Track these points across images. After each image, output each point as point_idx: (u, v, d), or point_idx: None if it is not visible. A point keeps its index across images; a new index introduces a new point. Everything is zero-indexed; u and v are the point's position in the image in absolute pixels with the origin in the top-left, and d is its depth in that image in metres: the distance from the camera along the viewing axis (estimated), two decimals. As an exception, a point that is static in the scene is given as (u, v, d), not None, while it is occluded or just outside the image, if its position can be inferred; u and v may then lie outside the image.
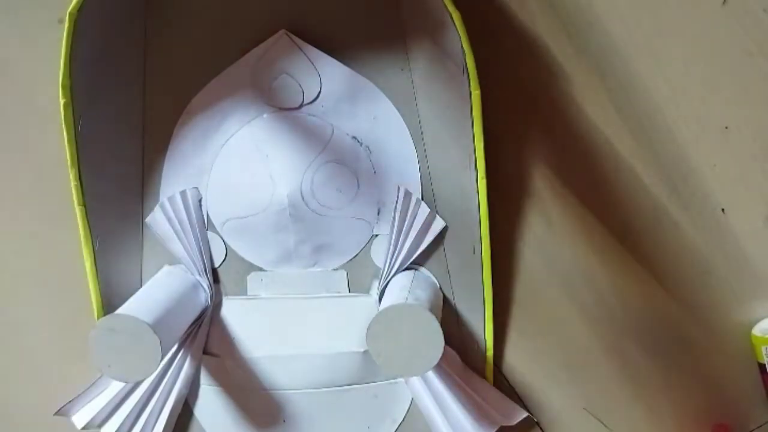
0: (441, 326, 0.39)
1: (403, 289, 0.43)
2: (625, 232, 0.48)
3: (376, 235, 0.47)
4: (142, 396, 0.45)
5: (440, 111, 0.45)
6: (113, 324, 0.38)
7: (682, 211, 0.47)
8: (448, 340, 0.40)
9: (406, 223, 0.46)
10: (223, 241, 0.47)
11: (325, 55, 0.44)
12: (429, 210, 0.46)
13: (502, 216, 0.47)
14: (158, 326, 0.38)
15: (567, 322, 0.48)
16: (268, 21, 0.44)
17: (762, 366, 0.47)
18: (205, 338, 0.46)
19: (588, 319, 0.48)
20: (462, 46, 0.40)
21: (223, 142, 0.46)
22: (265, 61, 0.44)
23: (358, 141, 0.46)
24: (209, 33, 0.45)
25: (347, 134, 0.46)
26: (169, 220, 0.46)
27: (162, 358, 0.39)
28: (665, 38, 0.46)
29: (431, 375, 0.45)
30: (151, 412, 0.45)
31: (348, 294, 0.47)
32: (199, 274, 0.46)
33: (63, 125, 0.41)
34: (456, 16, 0.39)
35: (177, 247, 0.46)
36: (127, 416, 0.45)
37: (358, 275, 0.47)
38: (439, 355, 0.39)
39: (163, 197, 0.46)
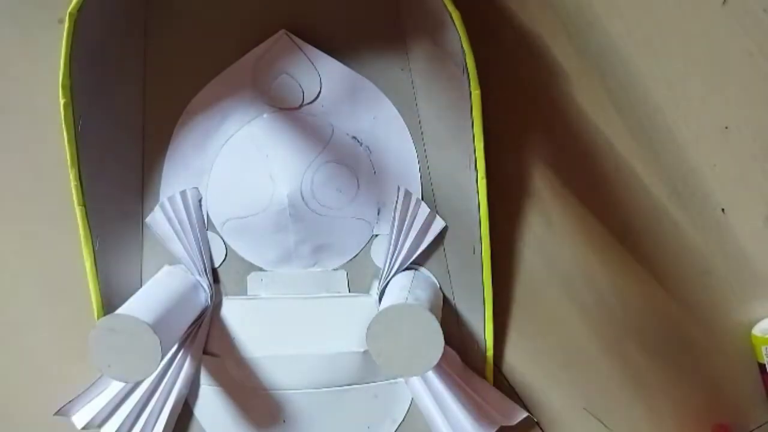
0: (441, 326, 0.39)
1: (403, 289, 0.43)
2: (625, 232, 0.48)
3: (376, 235, 0.47)
4: (142, 396, 0.45)
5: (440, 111, 0.45)
6: (113, 324, 0.38)
7: (682, 211, 0.47)
8: (448, 340, 0.40)
9: (406, 223, 0.46)
10: (223, 241, 0.47)
11: (325, 55, 0.44)
12: (429, 210, 0.46)
13: (502, 216, 0.47)
14: (158, 326, 0.38)
15: (567, 322, 0.48)
16: (268, 21, 0.44)
17: (762, 366, 0.47)
18: (205, 338, 0.46)
19: (588, 319, 0.48)
20: (462, 46, 0.40)
21: (223, 142, 0.46)
22: (265, 61, 0.44)
23: (358, 141, 0.46)
24: (209, 33, 0.45)
25: (347, 134, 0.46)
26: (169, 220, 0.46)
27: (162, 358, 0.39)
28: (665, 38, 0.46)
29: (431, 375, 0.45)
30: (151, 412, 0.45)
31: (348, 294, 0.47)
32: (199, 274, 0.46)
33: (63, 125, 0.41)
34: (456, 16, 0.39)
35: (177, 247, 0.46)
36: (127, 416, 0.45)
37: (358, 275, 0.47)
38: (439, 355, 0.39)
39: (163, 197, 0.46)
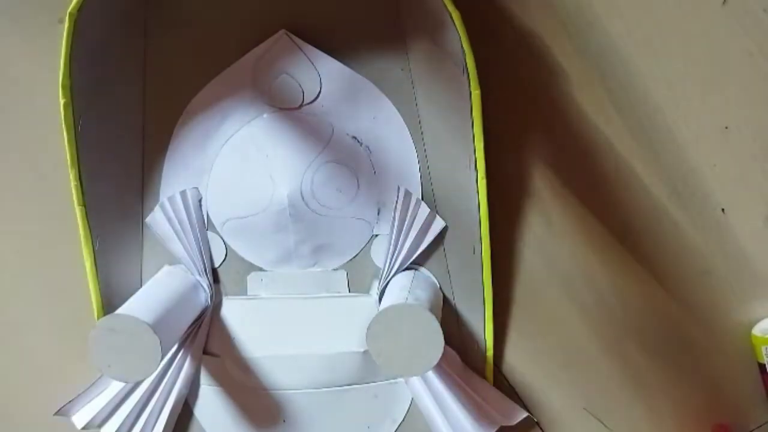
0: (441, 326, 0.39)
1: (403, 289, 0.43)
2: (625, 232, 0.48)
3: (376, 235, 0.47)
4: (142, 396, 0.45)
5: (440, 111, 0.45)
6: (113, 324, 0.38)
7: (682, 211, 0.47)
8: (448, 340, 0.40)
9: (406, 223, 0.46)
10: (223, 241, 0.47)
11: (325, 55, 0.44)
12: (429, 210, 0.46)
13: (502, 216, 0.47)
14: (158, 326, 0.38)
15: (567, 322, 0.48)
16: (268, 21, 0.44)
17: (762, 366, 0.47)
18: (205, 338, 0.46)
19: (588, 319, 0.48)
20: (462, 46, 0.40)
21: (223, 142, 0.46)
22: (265, 61, 0.44)
23: (358, 141, 0.46)
24: (209, 33, 0.45)
25: (347, 134, 0.46)
26: (169, 220, 0.46)
27: (162, 358, 0.39)
28: (665, 38, 0.46)
29: (431, 375, 0.45)
30: (151, 412, 0.45)
31: (348, 294, 0.47)
32: (199, 274, 0.46)
33: (63, 125, 0.41)
34: (456, 16, 0.39)
35: (177, 247, 0.46)
36: (127, 416, 0.45)
37: (358, 275, 0.47)
38: (439, 355, 0.39)
39: (163, 197, 0.46)
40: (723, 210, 0.47)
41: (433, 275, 0.47)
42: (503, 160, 0.46)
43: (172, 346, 0.43)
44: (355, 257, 0.47)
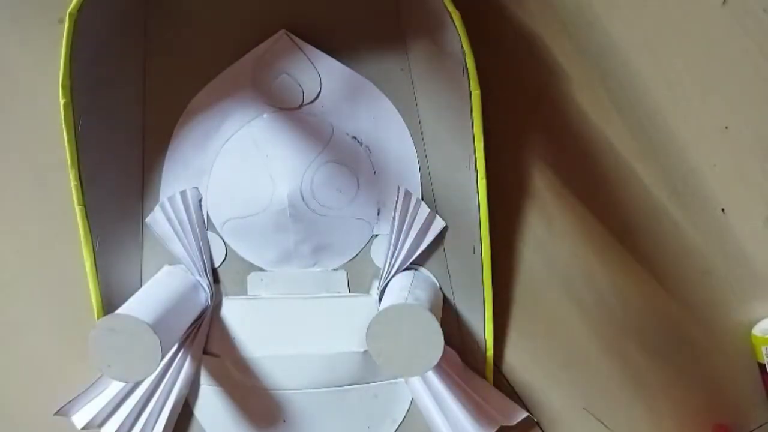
0: (441, 326, 0.39)
1: (403, 289, 0.43)
2: (625, 232, 0.48)
3: (376, 235, 0.47)
4: (142, 396, 0.45)
5: (440, 111, 0.45)
6: (113, 324, 0.38)
7: (682, 211, 0.47)
8: (448, 340, 0.40)
9: (406, 223, 0.46)
10: (223, 241, 0.47)
11: (325, 55, 0.44)
12: (429, 210, 0.46)
13: (502, 216, 0.47)
14: (158, 326, 0.38)
15: (567, 322, 0.48)
16: (268, 21, 0.44)
17: (762, 366, 0.47)
18: (205, 338, 0.46)
19: (588, 319, 0.48)
20: (462, 46, 0.40)
21: (223, 142, 0.46)
22: (265, 61, 0.44)
23: (358, 141, 0.46)
24: (209, 33, 0.45)
25: (347, 134, 0.46)
26: (169, 220, 0.46)
27: (162, 358, 0.39)
28: (665, 38, 0.46)
29: (431, 375, 0.45)
30: (151, 412, 0.45)
31: (348, 294, 0.47)
32: (199, 274, 0.46)
33: (63, 125, 0.41)
34: (456, 16, 0.39)
35: (177, 247, 0.46)
36: (127, 416, 0.45)
37: (358, 275, 0.47)
38: (439, 355, 0.39)
39: (163, 197, 0.46)
40: (723, 210, 0.47)
41: (433, 275, 0.47)
42: (503, 160, 0.46)
43: (172, 346, 0.43)
44: (355, 257, 0.47)
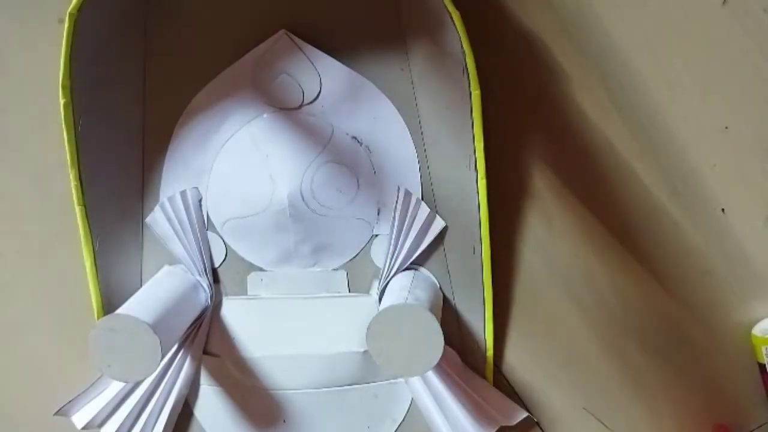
0: (441, 326, 0.39)
1: (403, 289, 0.43)
2: (625, 232, 0.48)
3: (376, 235, 0.47)
4: (142, 396, 0.45)
5: (440, 111, 0.45)
6: (113, 324, 0.38)
7: (682, 211, 0.47)
8: (448, 340, 0.40)
9: (406, 223, 0.46)
10: (223, 241, 0.47)
11: (325, 55, 0.44)
12: (429, 210, 0.46)
13: (502, 216, 0.47)
14: (158, 326, 0.38)
15: (567, 322, 0.48)
16: (268, 21, 0.44)
17: (762, 366, 0.47)
18: (205, 338, 0.46)
19: (588, 319, 0.48)
20: (462, 46, 0.40)
21: (223, 142, 0.46)
22: (265, 61, 0.44)
23: (358, 141, 0.46)
24: (209, 33, 0.45)
25: (347, 134, 0.46)
26: (169, 220, 0.46)
27: (162, 358, 0.39)
28: (665, 38, 0.46)
29: (431, 375, 0.45)
30: (151, 412, 0.45)
31: (348, 294, 0.47)
32: (199, 274, 0.46)
33: (63, 125, 0.41)
34: (456, 16, 0.39)
35: (177, 247, 0.46)
36: (127, 416, 0.45)
37: (358, 275, 0.47)
38: (439, 355, 0.39)
39: (163, 197, 0.46)
40: (723, 210, 0.47)
41: (433, 275, 0.47)
42: (503, 160, 0.46)
43: (172, 346, 0.43)
44: (355, 257, 0.47)
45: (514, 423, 0.47)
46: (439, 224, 0.46)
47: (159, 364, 0.39)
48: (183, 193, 0.46)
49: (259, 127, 0.45)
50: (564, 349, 0.49)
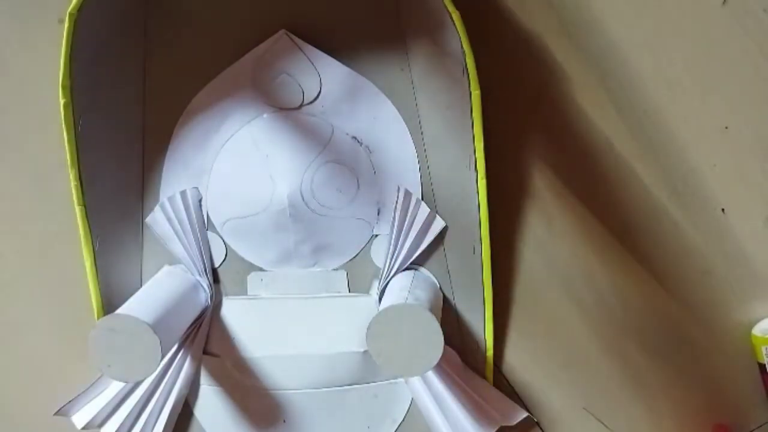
0: (441, 326, 0.39)
1: (403, 289, 0.43)
2: (625, 232, 0.48)
3: (376, 235, 0.47)
4: (142, 396, 0.45)
5: (440, 111, 0.45)
6: (113, 324, 0.38)
7: (682, 211, 0.47)
8: (448, 340, 0.40)
9: (406, 223, 0.46)
10: (223, 241, 0.47)
11: (325, 55, 0.44)
12: (429, 210, 0.46)
13: (502, 216, 0.47)
14: (158, 326, 0.38)
15: (567, 322, 0.48)
16: (268, 21, 0.44)
17: (762, 366, 0.47)
18: (205, 338, 0.46)
19: (588, 319, 0.48)
20: (462, 46, 0.40)
21: (223, 142, 0.46)
22: (265, 61, 0.44)
23: (358, 141, 0.46)
24: (209, 33, 0.45)
25: (347, 134, 0.46)
26: (169, 220, 0.46)
27: (162, 358, 0.39)
28: (665, 38, 0.46)
29: (431, 375, 0.45)
30: (151, 412, 0.45)
31: (348, 294, 0.47)
32: (199, 274, 0.46)
33: (63, 125, 0.41)
34: (456, 16, 0.39)
35: (177, 247, 0.46)
36: (127, 416, 0.45)
37: (358, 275, 0.47)
38: (439, 356, 0.39)
39: (163, 197, 0.46)
40: (723, 210, 0.47)
41: (433, 275, 0.47)
42: (503, 160, 0.46)
43: (172, 346, 0.43)
44: (355, 257, 0.47)
45: (514, 423, 0.47)
46: (439, 224, 0.46)
47: (159, 364, 0.39)
48: (183, 193, 0.46)
49: (259, 127, 0.45)
50: (564, 349, 0.49)
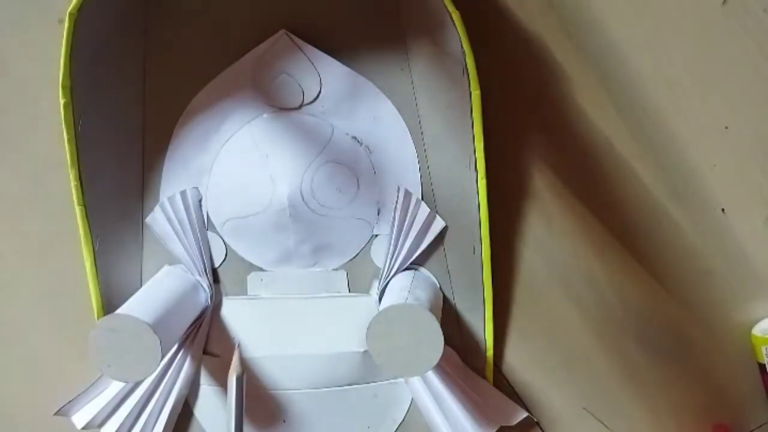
0: (441, 326, 0.39)
1: (403, 289, 0.43)
2: (625, 232, 0.48)
3: (376, 235, 0.47)
4: (142, 396, 0.45)
5: (440, 111, 0.45)
6: (113, 324, 0.38)
7: (682, 211, 0.47)
8: (448, 340, 0.40)
9: (406, 223, 0.46)
10: (223, 241, 0.47)
11: (325, 55, 0.44)
12: (429, 210, 0.46)
13: (502, 216, 0.47)
14: (158, 326, 0.38)
15: (567, 322, 0.48)
16: (268, 21, 0.44)
17: (762, 366, 0.47)
18: (205, 338, 0.46)
19: (588, 319, 0.48)
20: (462, 46, 0.40)
21: (223, 142, 0.46)
22: (265, 61, 0.44)
23: (358, 141, 0.46)
24: (209, 33, 0.45)
25: (347, 134, 0.46)
26: (169, 220, 0.46)
27: (162, 358, 0.39)
28: (665, 38, 0.46)
29: (431, 375, 0.45)
30: (151, 412, 0.45)
31: (348, 294, 0.47)
32: (199, 274, 0.46)
33: (63, 125, 0.41)
34: (456, 16, 0.39)
35: (177, 247, 0.46)
36: (127, 416, 0.45)
37: (358, 275, 0.47)
38: (439, 356, 0.39)
39: (163, 197, 0.46)
40: (723, 210, 0.47)
41: (433, 275, 0.47)
42: (503, 160, 0.46)
43: (172, 346, 0.43)
44: (355, 257, 0.47)
45: (514, 423, 0.47)
46: (439, 224, 0.46)
47: (159, 364, 0.39)
48: (183, 193, 0.46)
49: (259, 127, 0.45)
50: (564, 349, 0.49)
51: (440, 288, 0.47)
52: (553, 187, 0.47)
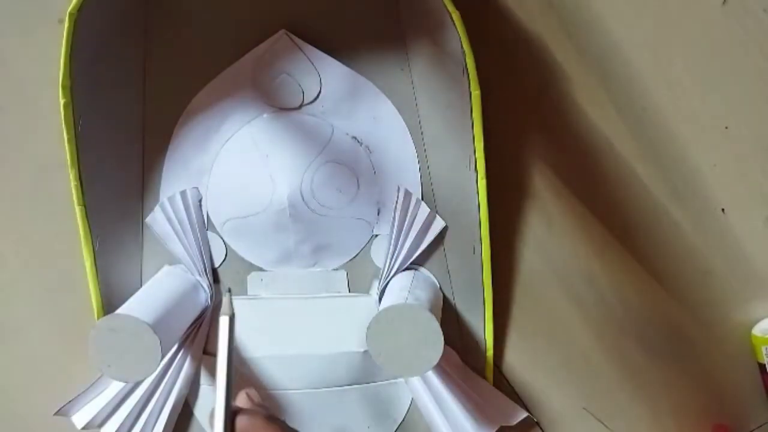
0: (441, 326, 0.39)
1: (403, 289, 0.43)
2: (625, 232, 0.48)
3: (376, 235, 0.47)
4: (142, 396, 0.45)
5: (440, 111, 0.45)
6: (113, 324, 0.38)
7: (682, 211, 0.47)
8: (448, 340, 0.40)
9: (406, 223, 0.46)
10: (223, 241, 0.47)
11: (325, 55, 0.44)
12: (429, 210, 0.46)
13: (502, 216, 0.47)
14: (158, 326, 0.38)
15: (567, 322, 0.48)
16: (268, 21, 0.44)
17: (762, 366, 0.47)
18: (205, 338, 0.46)
19: (588, 319, 0.48)
20: (462, 46, 0.40)
21: (223, 142, 0.46)
22: (265, 61, 0.44)
23: (358, 141, 0.46)
24: (209, 33, 0.45)
25: (347, 134, 0.46)
26: (169, 220, 0.46)
27: (162, 358, 0.39)
28: (665, 38, 0.46)
29: (431, 375, 0.45)
30: (151, 412, 0.45)
31: (348, 294, 0.47)
32: (199, 274, 0.46)
33: (63, 125, 0.41)
34: (456, 16, 0.39)
35: (177, 247, 0.46)
36: (127, 416, 0.45)
37: (358, 275, 0.47)
38: (439, 356, 0.39)
39: (163, 197, 0.46)
40: (723, 210, 0.47)
41: (433, 275, 0.47)
42: (503, 160, 0.46)
43: (172, 346, 0.43)
44: (355, 257, 0.47)
45: (514, 423, 0.47)
46: (439, 224, 0.46)
47: (159, 364, 0.39)
48: (183, 193, 0.46)
49: (259, 127, 0.45)
50: (564, 349, 0.49)
51: (440, 288, 0.47)
52: (553, 187, 0.47)
